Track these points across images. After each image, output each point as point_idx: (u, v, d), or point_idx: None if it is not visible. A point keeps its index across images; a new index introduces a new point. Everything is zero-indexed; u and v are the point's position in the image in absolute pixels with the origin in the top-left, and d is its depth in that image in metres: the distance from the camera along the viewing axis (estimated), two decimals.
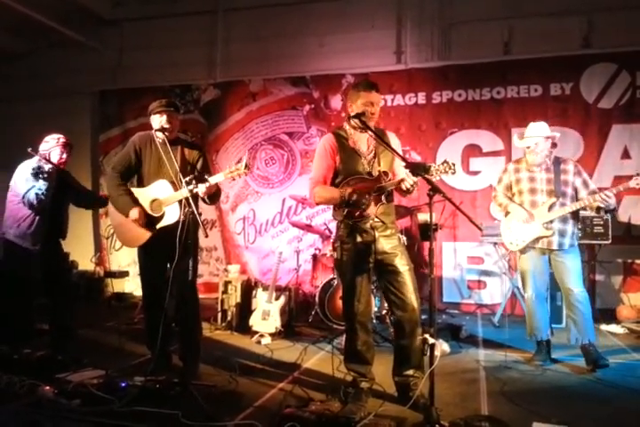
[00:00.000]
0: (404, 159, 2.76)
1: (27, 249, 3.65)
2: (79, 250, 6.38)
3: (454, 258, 5.88)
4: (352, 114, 2.91)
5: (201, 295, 3.52)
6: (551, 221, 3.56)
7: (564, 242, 3.56)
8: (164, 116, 3.32)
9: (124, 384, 2.89)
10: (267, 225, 6.52)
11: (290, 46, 6.52)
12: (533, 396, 3.01)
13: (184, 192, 3.07)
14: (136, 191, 3.37)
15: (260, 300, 4.58)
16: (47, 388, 2.85)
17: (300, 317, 5.05)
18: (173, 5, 6.92)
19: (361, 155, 2.96)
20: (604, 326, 4.77)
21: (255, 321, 4.47)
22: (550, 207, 3.58)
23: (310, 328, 4.77)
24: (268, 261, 6.38)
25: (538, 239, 3.59)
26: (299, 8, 6.54)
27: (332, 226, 4.75)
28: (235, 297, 4.85)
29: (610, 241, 4.79)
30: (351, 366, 2.99)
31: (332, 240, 4.65)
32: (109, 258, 7.08)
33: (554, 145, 3.69)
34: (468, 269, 5.84)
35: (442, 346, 3.77)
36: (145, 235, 3.29)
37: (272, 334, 4.35)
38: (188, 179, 3.06)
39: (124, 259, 6.87)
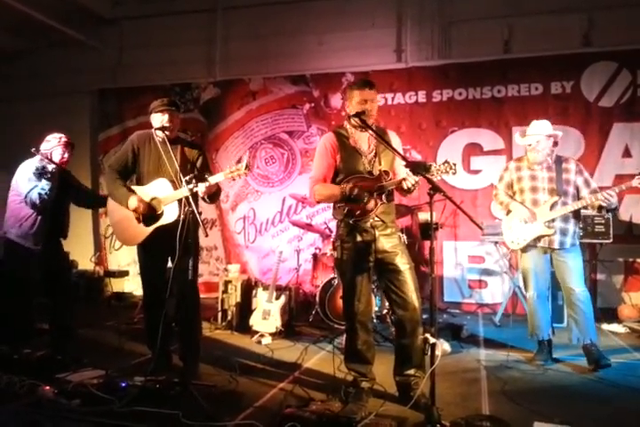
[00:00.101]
0: (404, 158, 2.75)
1: (29, 249, 3.63)
2: (79, 249, 6.36)
3: (455, 257, 5.87)
4: (350, 113, 2.91)
5: (201, 295, 3.51)
6: (553, 220, 3.54)
7: (565, 241, 3.55)
8: (166, 115, 3.32)
9: (124, 384, 2.88)
10: (267, 224, 6.51)
11: (289, 45, 6.50)
12: (534, 395, 3.00)
13: (184, 191, 3.05)
14: (135, 189, 3.36)
15: (261, 299, 4.57)
16: (47, 388, 2.84)
17: (301, 316, 5.04)
18: (172, 4, 6.91)
19: (362, 154, 2.95)
20: (605, 326, 4.76)
21: (255, 321, 4.46)
22: (552, 206, 3.56)
23: (311, 328, 4.76)
24: (268, 260, 6.37)
25: (539, 238, 3.57)
26: (298, 6, 6.52)
27: (333, 225, 4.74)
28: (235, 297, 4.85)
29: (611, 240, 4.78)
30: (352, 365, 2.98)
31: (332, 239, 4.64)
32: (109, 257, 7.07)
33: (555, 144, 3.67)
34: (469, 269, 5.83)
35: (443, 346, 3.76)
36: (143, 233, 3.28)
37: (272, 334, 4.35)
38: (187, 178, 3.05)
39: (124, 258, 6.86)
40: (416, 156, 5.96)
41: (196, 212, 2.95)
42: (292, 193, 5.64)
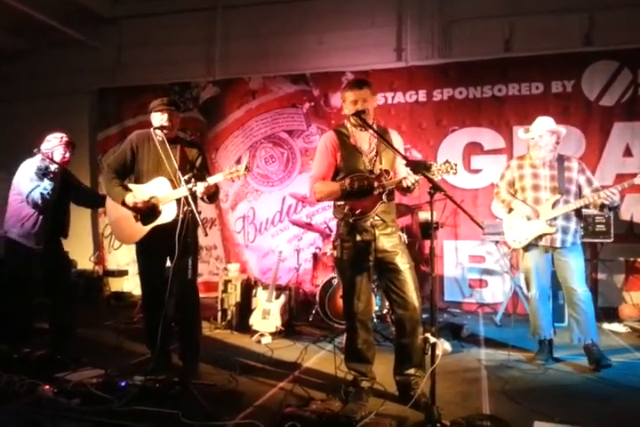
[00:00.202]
0: (404, 157, 2.73)
1: (30, 249, 3.62)
2: (78, 249, 6.36)
3: (455, 257, 5.86)
4: (347, 114, 2.93)
5: (201, 294, 3.50)
6: (555, 219, 3.53)
7: (566, 239, 3.54)
8: (165, 115, 3.32)
9: (123, 384, 2.88)
10: (267, 224, 6.50)
11: (289, 44, 6.50)
12: (535, 395, 3.00)
13: (183, 191, 3.05)
14: (134, 187, 3.35)
15: (260, 299, 4.56)
16: (47, 387, 2.83)
17: (301, 316, 5.04)
18: (172, 2, 6.90)
19: (362, 153, 2.94)
20: (606, 325, 4.76)
21: (255, 320, 4.45)
22: (554, 204, 3.55)
23: (311, 327, 4.76)
24: (267, 259, 6.36)
25: (541, 237, 3.56)
26: (298, 5, 6.52)
27: (333, 224, 4.73)
28: (235, 296, 4.84)
29: (612, 239, 4.77)
30: (352, 365, 2.97)
31: (332, 239, 4.64)
32: (108, 257, 7.06)
33: (557, 143, 3.66)
34: (470, 268, 5.82)
35: (443, 345, 3.76)
36: (141, 231, 3.28)
37: (272, 334, 4.34)
38: (187, 177, 3.04)
39: (123, 258, 6.86)
40: (416, 155, 5.95)
41: (195, 211, 2.94)
42: (291, 192, 5.63)
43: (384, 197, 2.87)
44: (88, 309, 5.44)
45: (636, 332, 4.61)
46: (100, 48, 7.24)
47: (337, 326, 4.47)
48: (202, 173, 3.35)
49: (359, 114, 2.82)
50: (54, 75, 7.24)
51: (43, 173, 3.46)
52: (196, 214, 2.94)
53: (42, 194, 3.48)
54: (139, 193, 3.28)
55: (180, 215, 2.98)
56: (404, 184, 2.74)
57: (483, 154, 5.84)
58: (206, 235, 2.99)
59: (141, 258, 3.42)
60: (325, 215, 5.99)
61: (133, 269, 6.36)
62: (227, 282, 4.93)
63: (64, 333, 3.69)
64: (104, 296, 6.19)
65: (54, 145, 3.65)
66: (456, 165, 2.66)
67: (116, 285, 6.43)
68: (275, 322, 4.40)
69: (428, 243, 5.48)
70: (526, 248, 3.66)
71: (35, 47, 7.41)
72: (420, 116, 6.03)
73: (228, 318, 4.78)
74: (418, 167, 2.64)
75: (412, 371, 2.88)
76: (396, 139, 3.04)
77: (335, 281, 4.63)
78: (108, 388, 2.83)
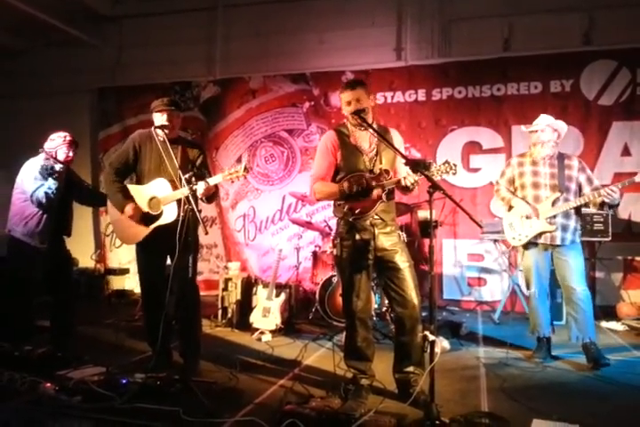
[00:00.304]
0: (404, 156, 2.74)
1: (35, 247, 3.63)
2: (79, 247, 6.35)
3: (454, 255, 5.88)
4: (345, 113, 2.94)
5: (201, 293, 3.52)
6: (554, 216, 3.55)
7: (566, 237, 3.55)
8: (165, 115, 3.33)
9: (124, 381, 2.89)
10: (267, 222, 6.52)
11: (290, 43, 6.51)
12: (533, 393, 3.02)
13: (184, 191, 3.06)
14: (135, 188, 3.37)
15: (261, 297, 4.58)
16: (48, 385, 2.85)
17: (301, 314, 5.06)
18: (173, 2, 6.90)
19: (362, 152, 2.95)
20: (604, 324, 4.77)
21: (255, 318, 4.48)
22: (554, 202, 3.56)
23: (310, 325, 4.77)
24: (268, 258, 6.38)
25: (540, 234, 3.58)
26: (298, 5, 6.53)
27: (332, 223, 4.75)
28: (235, 294, 4.86)
29: (610, 238, 4.78)
30: (351, 362, 2.99)
31: (332, 237, 4.66)
32: (109, 255, 7.08)
33: (558, 141, 3.68)
34: (468, 267, 5.84)
35: (442, 343, 3.78)
36: (143, 232, 3.29)
37: (272, 331, 4.36)
38: (187, 176, 3.06)
39: (125, 256, 6.87)
40: (415, 154, 5.97)
41: (195, 210, 2.95)
42: (291, 191, 5.65)
43: (384, 196, 2.88)
44: (89, 307, 5.46)
45: (633, 330, 4.63)
46: (101, 47, 7.24)
47: (336, 323, 4.49)
48: (202, 172, 3.37)
49: (359, 113, 2.84)
50: (55, 73, 7.24)
51: (48, 173, 3.47)
52: (197, 213, 2.95)
53: (46, 193, 3.49)
54: (139, 194, 3.30)
55: (181, 214, 3.00)
56: (403, 183, 2.75)
57: (481, 153, 5.85)
58: (207, 233, 2.99)
59: (141, 256, 3.44)
60: (325, 214, 6.00)
61: (135, 267, 6.25)
62: (227, 280, 4.95)
63: (65, 331, 3.71)
64: (105, 294, 6.20)
65: (58, 144, 3.66)
66: (456, 165, 2.67)
67: (117, 283, 6.45)
68: (275, 320, 4.42)
69: (427, 241, 5.49)
70: (526, 246, 3.68)
71: (36, 46, 7.41)
72: (419, 116, 6.05)
73: (229, 315, 4.80)
74: (417, 166, 2.65)
75: (411, 369, 2.90)
76: (397, 138, 3.05)
77: (335, 279, 4.65)
78: (109, 385, 2.84)
